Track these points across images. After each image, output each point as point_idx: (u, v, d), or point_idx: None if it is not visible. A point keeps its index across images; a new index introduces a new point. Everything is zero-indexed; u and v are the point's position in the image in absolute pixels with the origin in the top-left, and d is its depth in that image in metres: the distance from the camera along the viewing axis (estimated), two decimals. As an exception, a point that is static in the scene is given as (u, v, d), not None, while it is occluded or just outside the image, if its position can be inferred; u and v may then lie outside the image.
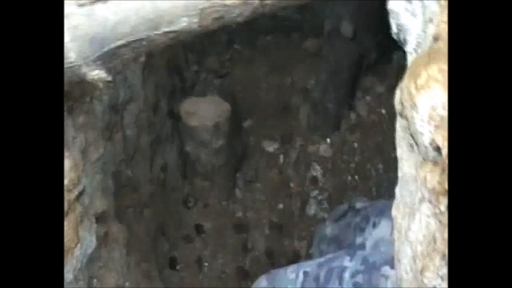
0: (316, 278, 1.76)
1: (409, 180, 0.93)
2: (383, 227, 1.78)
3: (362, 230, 1.93)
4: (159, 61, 2.40)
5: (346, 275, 1.70)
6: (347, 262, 1.73)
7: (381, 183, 2.59)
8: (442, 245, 0.77)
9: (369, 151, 2.68)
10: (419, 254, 0.83)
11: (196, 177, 2.65)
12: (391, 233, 1.73)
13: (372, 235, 1.78)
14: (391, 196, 2.63)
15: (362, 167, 2.67)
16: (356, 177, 2.66)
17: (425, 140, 0.75)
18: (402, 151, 0.92)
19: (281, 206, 2.72)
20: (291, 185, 2.74)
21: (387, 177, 2.57)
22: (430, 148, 0.75)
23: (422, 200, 0.81)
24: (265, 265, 2.58)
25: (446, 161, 0.72)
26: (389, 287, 1.60)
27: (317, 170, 2.74)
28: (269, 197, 2.74)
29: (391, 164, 2.59)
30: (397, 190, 1.13)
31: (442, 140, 0.73)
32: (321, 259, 1.83)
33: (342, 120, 2.76)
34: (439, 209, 0.74)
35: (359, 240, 1.90)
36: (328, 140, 2.75)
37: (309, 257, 2.50)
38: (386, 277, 1.63)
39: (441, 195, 0.75)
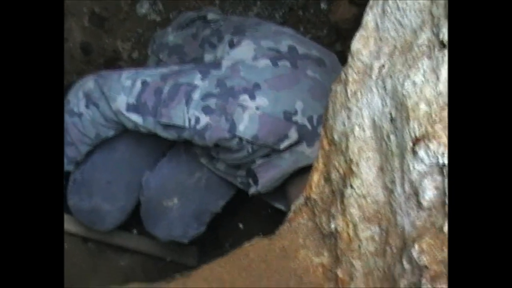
0: (158, 92, 1.51)
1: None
2: (244, 48, 1.54)
3: (213, 46, 1.69)
4: None
5: (196, 95, 1.47)
6: (198, 80, 1.49)
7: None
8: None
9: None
10: (422, 116, 0.65)
11: None
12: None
13: (231, 55, 1.54)
14: (242, 13, 2.38)
15: (208, -27, 2.36)
16: (200, -17, 2.35)
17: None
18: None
19: (107, -4, 2.35)
20: (123, -26, 2.35)
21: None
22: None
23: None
24: (80, 61, 2.26)
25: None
26: (245, 120, 1.42)
27: (155, -35, 2.37)
28: (94, -18, 2.33)
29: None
30: (369, 18, 0.90)
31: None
32: (164, 70, 1.56)
33: None
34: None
35: (209, 56, 1.66)
36: None
37: (136, 62, 2.22)
38: (244, 108, 1.44)
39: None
